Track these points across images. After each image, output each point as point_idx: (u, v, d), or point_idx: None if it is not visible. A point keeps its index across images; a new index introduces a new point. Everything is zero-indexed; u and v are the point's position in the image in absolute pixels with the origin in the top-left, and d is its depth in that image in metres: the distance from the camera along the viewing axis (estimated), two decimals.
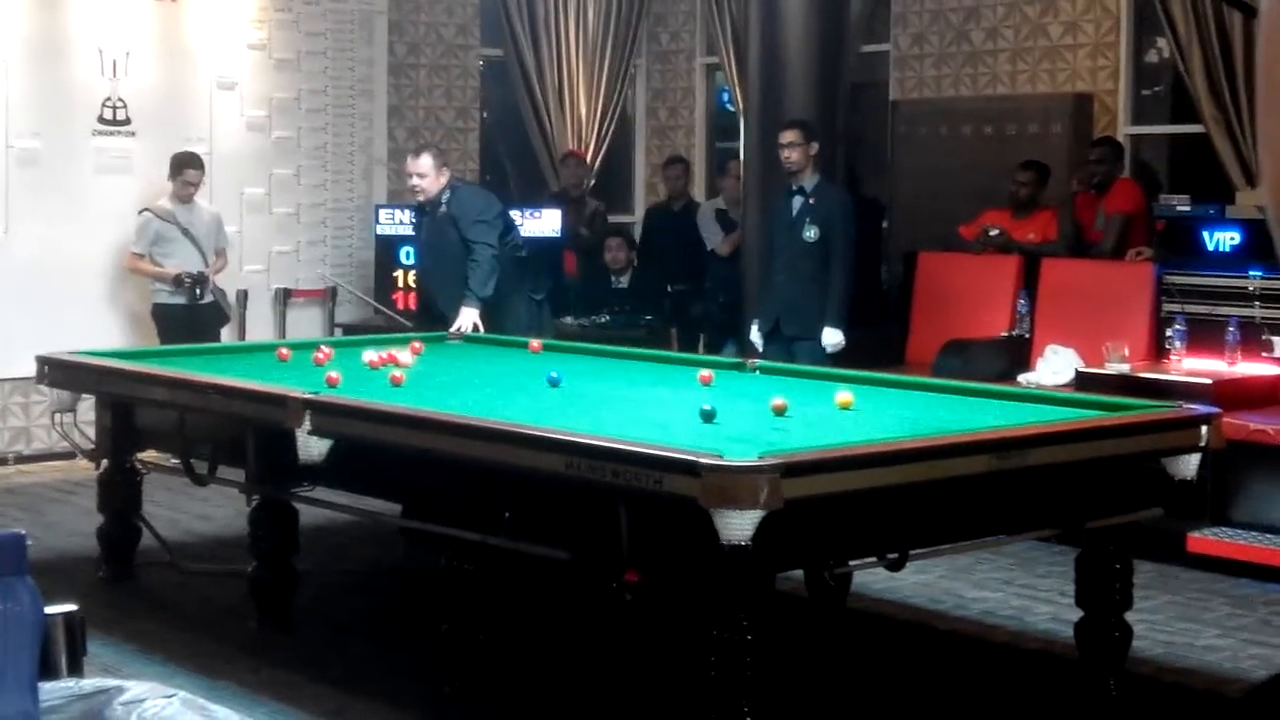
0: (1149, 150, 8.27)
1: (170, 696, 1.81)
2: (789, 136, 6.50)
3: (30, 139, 7.71)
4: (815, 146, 6.50)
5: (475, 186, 7.51)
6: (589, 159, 9.59)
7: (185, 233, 7.55)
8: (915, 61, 8.65)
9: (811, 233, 6.47)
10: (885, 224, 8.47)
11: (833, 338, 6.44)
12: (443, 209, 6.65)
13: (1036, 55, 8.16)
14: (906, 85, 8.66)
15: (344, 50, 8.81)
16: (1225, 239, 6.47)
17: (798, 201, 6.57)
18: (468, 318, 6.47)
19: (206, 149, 8.12)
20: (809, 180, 6.54)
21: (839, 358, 6.29)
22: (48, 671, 1.97)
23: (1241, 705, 1.07)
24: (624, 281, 8.58)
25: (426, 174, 6.62)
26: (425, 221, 6.93)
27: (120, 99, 7.94)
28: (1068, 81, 8.03)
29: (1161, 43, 7.94)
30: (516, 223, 8.42)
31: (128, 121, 7.96)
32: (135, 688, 1.86)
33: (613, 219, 9.63)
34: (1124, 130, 7.87)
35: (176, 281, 7.42)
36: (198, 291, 7.45)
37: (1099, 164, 7.25)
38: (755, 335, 6.70)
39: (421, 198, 6.72)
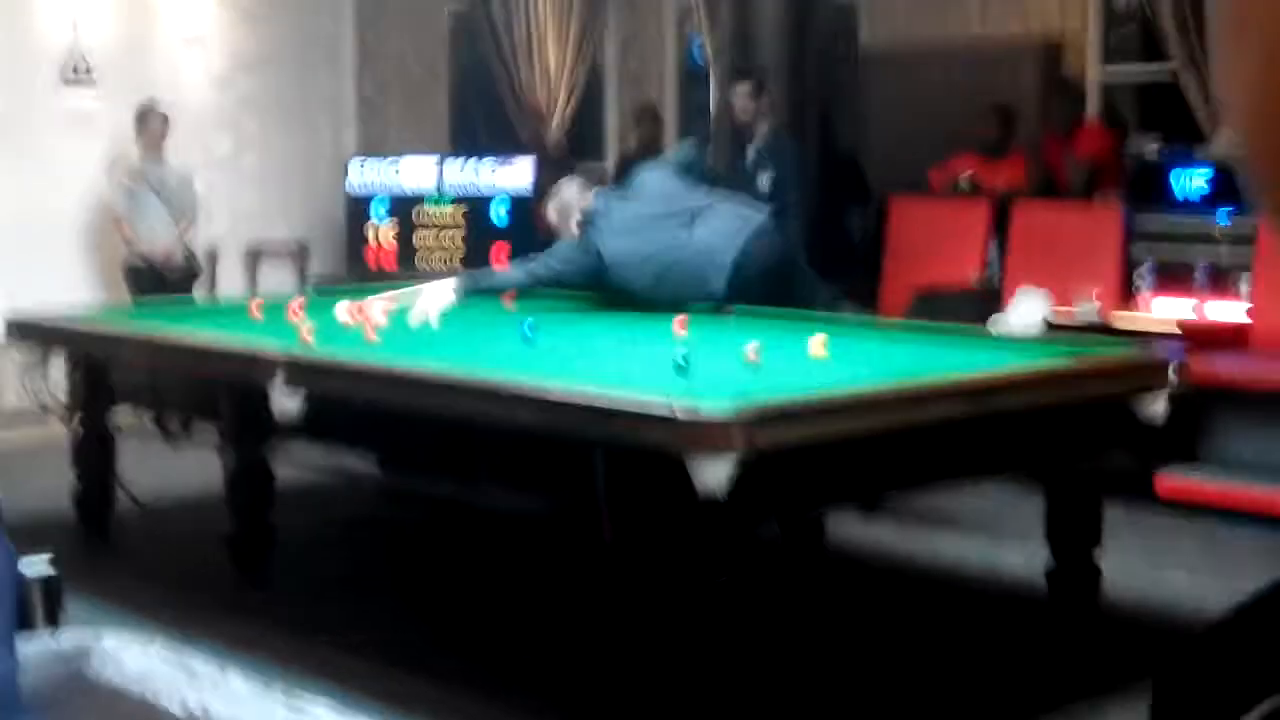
0: (1119, 94, 8.27)
1: (148, 647, 1.82)
2: (739, 89, 6.56)
3: None
4: (766, 101, 6.55)
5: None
6: (556, 109, 9.52)
7: (155, 193, 7.48)
8: (885, 4, 8.59)
9: (763, 180, 6.51)
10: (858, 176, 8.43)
11: None
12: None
13: None
14: (877, 29, 8.62)
15: (310, 3, 8.70)
16: (1194, 182, 6.50)
17: (750, 152, 6.63)
18: None
19: (172, 103, 8.03)
20: (760, 130, 6.60)
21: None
22: (26, 627, 1.97)
23: (1208, 637, 1.06)
24: None
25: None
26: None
27: (84, 54, 7.82)
28: (1038, 23, 8.01)
29: None
30: (490, 175, 8.39)
31: (90, 72, 7.85)
32: (114, 639, 1.87)
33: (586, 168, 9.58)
34: (1093, 73, 7.86)
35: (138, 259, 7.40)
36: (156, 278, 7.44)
37: (1059, 108, 7.24)
38: None
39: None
